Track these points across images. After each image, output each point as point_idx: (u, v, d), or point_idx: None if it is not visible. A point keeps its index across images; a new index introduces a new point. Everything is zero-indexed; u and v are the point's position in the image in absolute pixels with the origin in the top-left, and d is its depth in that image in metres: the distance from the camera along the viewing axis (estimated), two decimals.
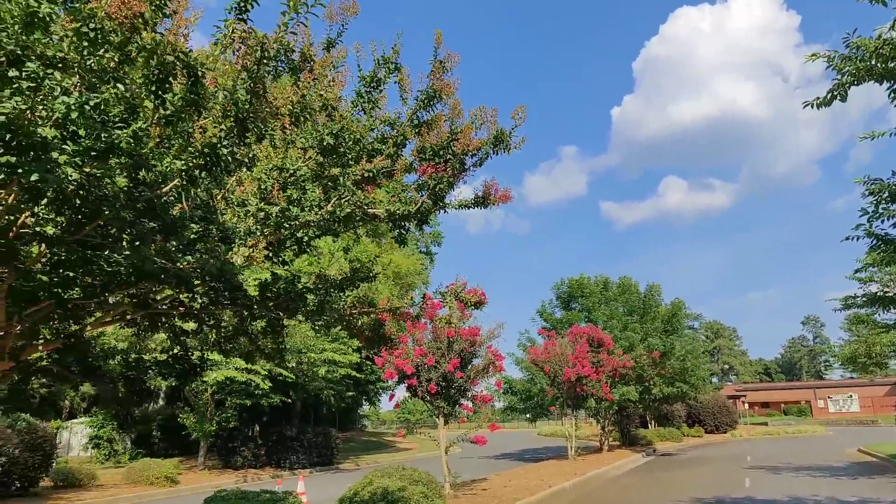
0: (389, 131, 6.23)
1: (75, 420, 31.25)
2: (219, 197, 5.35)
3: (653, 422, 43.83)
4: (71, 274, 4.34)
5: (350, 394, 31.18)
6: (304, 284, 6.42)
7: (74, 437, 31.07)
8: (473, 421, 15.44)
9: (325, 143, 5.43)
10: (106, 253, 4.18)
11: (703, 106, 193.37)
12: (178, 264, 4.37)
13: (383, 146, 6.06)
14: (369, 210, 5.65)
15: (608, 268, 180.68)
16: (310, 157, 5.49)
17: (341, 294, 6.78)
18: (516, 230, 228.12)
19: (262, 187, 5.43)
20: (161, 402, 32.84)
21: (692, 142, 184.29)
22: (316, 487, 18.04)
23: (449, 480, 14.03)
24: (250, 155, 4.83)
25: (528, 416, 29.64)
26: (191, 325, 6.70)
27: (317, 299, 6.40)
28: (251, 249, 4.90)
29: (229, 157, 4.36)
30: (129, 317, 5.62)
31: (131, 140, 3.61)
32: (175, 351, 7.72)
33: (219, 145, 4.20)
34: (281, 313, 6.38)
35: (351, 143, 5.61)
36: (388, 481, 10.78)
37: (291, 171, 5.32)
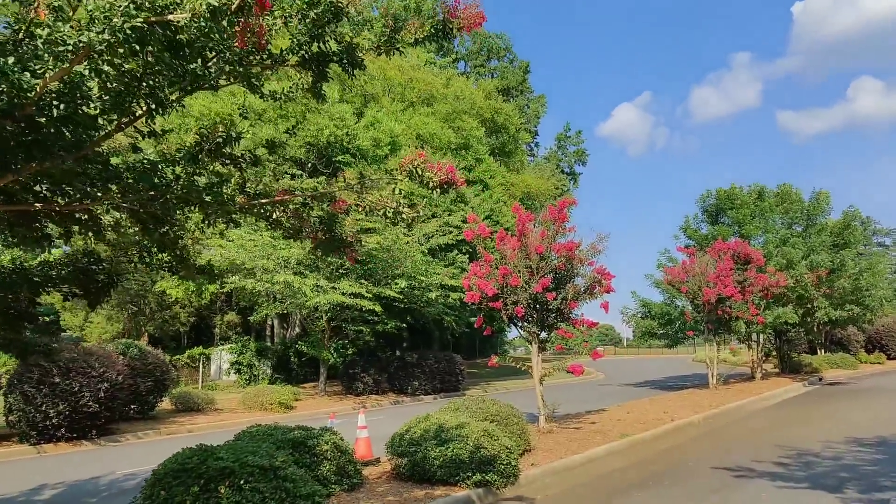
0: None
1: (222, 347, 33.24)
2: None
3: (821, 348, 38.92)
4: None
5: (473, 319, 30.17)
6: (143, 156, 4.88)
7: (223, 363, 33.21)
8: (575, 348, 13.58)
9: None
10: None
11: None
12: None
13: None
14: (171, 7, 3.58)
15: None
16: None
17: (196, 167, 5.15)
18: (683, 148, 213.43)
19: None
20: (297, 329, 33.98)
21: (891, 36, 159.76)
22: (401, 418, 17.23)
23: (544, 413, 12.41)
24: None
25: (665, 341, 26.95)
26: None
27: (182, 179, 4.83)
28: None
29: None
30: None
31: None
32: (79, 262, 6.40)
33: None
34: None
35: None
36: (449, 416, 9.37)
37: None
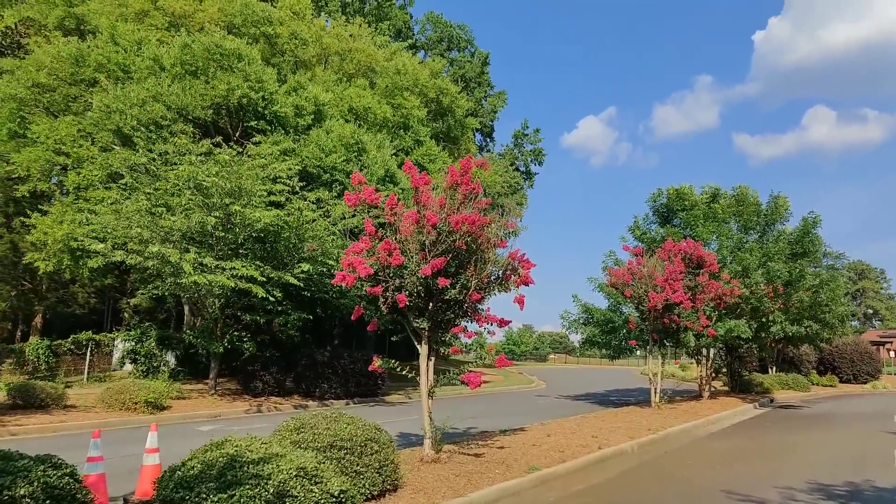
0: None
1: (117, 332, 29.58)
2: None
3: (773, 366, 37.08)
4: None
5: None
6: None
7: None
8: (478, 352, 10.89)
9: None
10: None
11: (861, 29, 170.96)
12: None
13: None
14: None
15: None
16: None
17: None
18: (644, 164, 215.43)
19: None
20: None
21: (846, 69, 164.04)
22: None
23: (430, 436, 9.54)
24: None
25: (608, 351, 24.38)
26: None
27: None
28: None
29: None
30: None
31: None
32: None
33: None
34: None
35: None
36: (260, 443, 6.41)
37: None
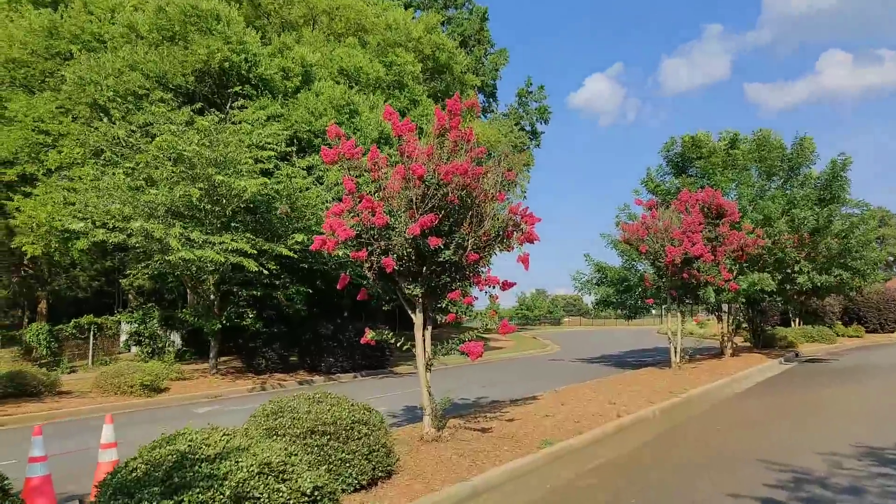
0: None
1: (119, 315, 28.92)
2: None
3: (797, 319, 35.87)
4: None
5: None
6: None
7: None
8: (477, 319, 9.97)
9: None
10: None
11: None
12: None
13: None
14: None
15: None
16: None
17: None
18: (652, 122, 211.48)
19: None
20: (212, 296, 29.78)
21: (859, 8, 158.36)
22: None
23: (430, 412, 8.61)
24: None
25: (623, 311, 23.36)
26: None
27: None
28: None
29: None
30: None
31: None
32: None
33: None
34: None
35: None
36: (223, 435, 5.48)
37: None
